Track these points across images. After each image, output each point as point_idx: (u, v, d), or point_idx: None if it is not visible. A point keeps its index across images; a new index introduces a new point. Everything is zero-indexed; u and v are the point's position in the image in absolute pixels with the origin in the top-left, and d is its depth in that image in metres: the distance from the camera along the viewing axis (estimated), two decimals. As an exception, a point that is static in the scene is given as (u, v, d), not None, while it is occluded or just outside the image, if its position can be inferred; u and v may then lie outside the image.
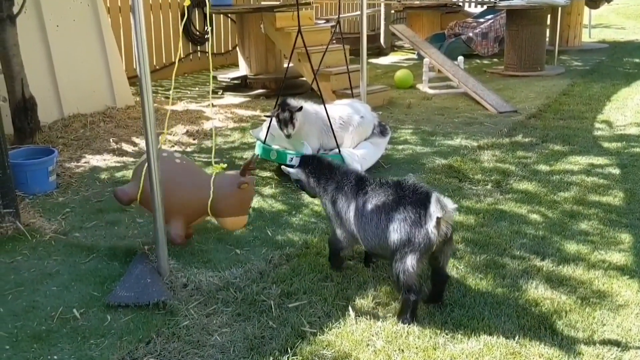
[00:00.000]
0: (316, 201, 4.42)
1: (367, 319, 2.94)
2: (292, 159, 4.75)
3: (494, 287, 3.22)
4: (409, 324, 2.87)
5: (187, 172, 3.66)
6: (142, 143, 5.76)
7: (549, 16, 10.38)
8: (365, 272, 3.38)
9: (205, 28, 10.45)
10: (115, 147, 5.77)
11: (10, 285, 3.32)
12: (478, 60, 10.91)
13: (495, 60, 10.90)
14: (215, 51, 10.90)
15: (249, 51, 8.44)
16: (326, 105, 4.93)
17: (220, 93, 8.46)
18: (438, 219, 2.74)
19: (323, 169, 3.33)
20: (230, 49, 11.12)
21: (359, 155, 4.86)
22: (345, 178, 3.22)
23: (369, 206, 3.00)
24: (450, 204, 2.79)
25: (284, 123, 4.76)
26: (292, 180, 3.52)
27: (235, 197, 3.53)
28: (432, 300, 3.04)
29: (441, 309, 2.99)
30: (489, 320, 2.90)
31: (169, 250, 3.39)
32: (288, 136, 4.79)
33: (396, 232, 2.85)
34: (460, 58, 8.81)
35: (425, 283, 3.16)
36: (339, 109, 5.14)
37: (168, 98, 8.17)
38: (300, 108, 4.76)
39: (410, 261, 2.80)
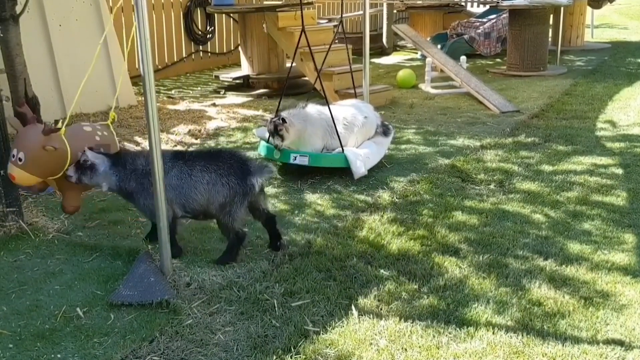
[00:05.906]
0: (319, 201, 4.44)
1: (370, 317, 2.94)
2: (295, 157, 4.77)
3: (497, 287, 3.22)
4: (230, 263, 3.41)
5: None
6: (144, 142, 5.76)
7: (551, 16, 10.37)
8: (368, 271, 3.38)
9: (208, 28, 10.46)
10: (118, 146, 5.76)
11: (13, 284, 3.33)
12: (481, 60, 10.89)
13: (497, 60, 10.89)
14: (217, 50, 10.92)
15: (251, 51, 8.44)
16: (330, 106, 4.93)
17: (222, 93, 8.47)
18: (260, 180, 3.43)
19: (129, 155, 3.67)
20: (232, 48, 11.12)
21: (363, 154, 4.86)
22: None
23: (196, 171, 3.44)
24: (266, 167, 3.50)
25: (271, 135, 4.82)
26: None
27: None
28: (274, 241, 3.62)
29: (443, 309, 3.00)
30: (492, 320, 2.90)
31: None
32: (276, 147, 4.82)
33: (225, 188, 3.40)
34: (463, 58, 8.80)
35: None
36: (343, 110, 5.15)
37: (170, 98, 8.17)
38: (284, 120, 4.74)
39: (239, 209, 3.42)
